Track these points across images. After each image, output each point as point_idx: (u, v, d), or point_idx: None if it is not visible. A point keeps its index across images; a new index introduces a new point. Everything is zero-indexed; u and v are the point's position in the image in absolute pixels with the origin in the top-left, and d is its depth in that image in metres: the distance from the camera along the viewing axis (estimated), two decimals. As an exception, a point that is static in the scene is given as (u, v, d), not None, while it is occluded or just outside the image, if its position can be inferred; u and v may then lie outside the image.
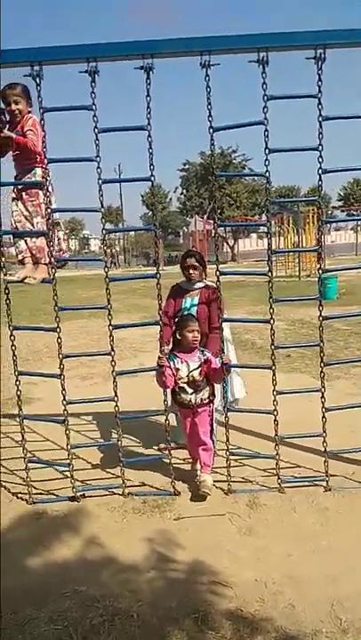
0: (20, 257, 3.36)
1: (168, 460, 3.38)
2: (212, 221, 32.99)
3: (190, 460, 3.73)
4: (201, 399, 3.38)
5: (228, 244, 42.89)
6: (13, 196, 3.32)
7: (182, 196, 48.84)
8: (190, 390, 3.35)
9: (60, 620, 2.28)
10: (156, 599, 2.41)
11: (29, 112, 3.26)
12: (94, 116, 2.97)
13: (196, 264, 3.83)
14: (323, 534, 2.89)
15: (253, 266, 31.79)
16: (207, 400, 3.41)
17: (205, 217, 33.27)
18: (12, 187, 3.33)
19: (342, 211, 48.79)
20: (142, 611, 2.32)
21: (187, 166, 47.34)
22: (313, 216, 22.54)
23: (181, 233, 66.22)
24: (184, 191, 48.29)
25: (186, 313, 3.67)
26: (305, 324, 9.40)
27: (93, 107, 2.97)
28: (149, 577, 2.59)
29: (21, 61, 2.98)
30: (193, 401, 3.36)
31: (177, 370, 3.34)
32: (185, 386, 3.35)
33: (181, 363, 3.36)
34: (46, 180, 3.13)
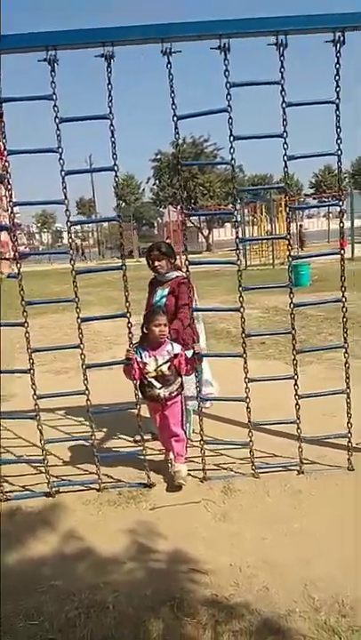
0: None
1: (142, 453, 3.38)
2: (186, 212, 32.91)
3: (164, 451, 3.72)
4: (170, 393, 3.34)
5: (202, 233, 42.92)
6: None
7: (155, 187, 48.54)
8: (158, 385, 3.31)
9: (35, 615, 2.27)
10: (133, 589, 2.42)
11: None
12: (54, 105, 2.91)
13: (160, 255, 3.75)
14: (296, 517, 2.94)
15: (228, 255, 31.84)
16: (175, 393, 3.38)
17: (179, 207, 33.19)
18: None
19: (314, 198, 49.28)
20: (118, 601, 2.33)
21: (159, 156, 47.00)
22: (285, 204, 22.74)
23: (155, 224, 65.92)
24: (157, 182, 47.99)
25: (156, 306, 3.64)
26: (279, 311, 9.49)
27: (54, 96, 2.91)
28: (126, 568, 2.60)
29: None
30: (162, 395, 3.32)
31: (144, 364, 3.30)
32: (153, 380, 3.31)
33: (149, 357, 3.32)
34: (7, 172, 3.06)
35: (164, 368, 3.30)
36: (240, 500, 3.15)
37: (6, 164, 3.05)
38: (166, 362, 3.31)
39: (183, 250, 3.27)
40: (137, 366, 3.28)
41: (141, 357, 3.32)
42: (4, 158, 3.06)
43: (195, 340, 3.38)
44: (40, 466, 3.41)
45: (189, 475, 3.42)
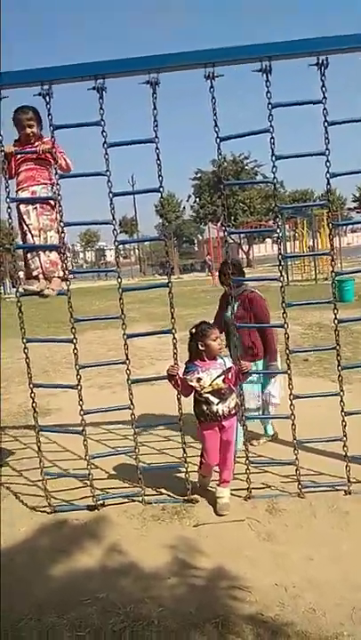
0: (35, 272, 3.42)
1: (185, 468, 3.40)
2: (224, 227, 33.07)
3: (200, 472, 3.56)
4: (229, 408, 3.25)
5: (243, 249, 42.85)
6: (24, 209, 3.39)
7: (195, 205, 49.04)
8: (216, 400, 3.22)
9: (82, 626, 2.31)
10: (177, 605, 2.43)
11: (41, 134, 3.39)
12: (103, 131, 3.04)
13: (229, 272, 3.72)
14: (343, 539, 2.87)
15: (269, 271, 31.64)
16: (234, 411, 3.30)
17: (219, 224, 33.28)
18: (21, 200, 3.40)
19: (358, 212, 48.41)
20: (163, 616, 2.35)
21: (199, 175, 47.55)
22: (327, 219, 22.46)
23: (196, 241, 66.37)
24: (197, 199, 48.49)
25: (227, 318, 3.74)
26: (322, 327, 9.34)
27: (102, 122, 3.05)
28: (170, 583, 2.61)
29: (31, 81, 3.07)
30: (220, 412, 3.22)
31: (199, 379, 3.23)
32: (209, 396, 3.21)
33: (203, 371, 3.25)
34: (59, 195, 3.21)
35: (219, 381, 3.23)
36: (285, 520, 3.11)
37: (58, 186, 3.20)
38: (220, 375, 3.24)
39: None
40: (186, 383, 3.25)
41: (196, 372, 3.25)
42: (56, 182, 3.21)
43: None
44: (85, 480, 3.48)
45: (232, 494, 3.39)
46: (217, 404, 3.21)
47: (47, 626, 2.34)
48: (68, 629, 2.30)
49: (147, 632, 2.25)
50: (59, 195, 3.20)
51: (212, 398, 3.21)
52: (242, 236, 41.29)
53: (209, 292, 20.93)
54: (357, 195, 56.35)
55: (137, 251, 50.56)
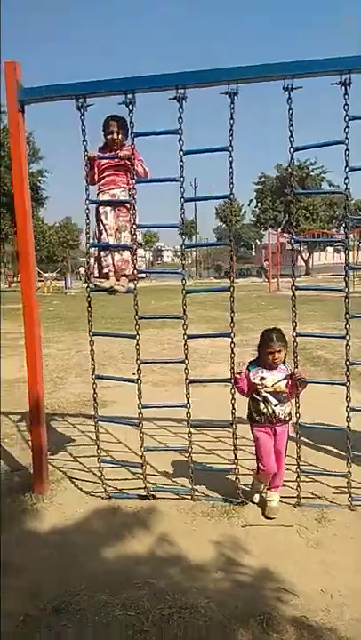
0: (106, 270, 3.63)
1: (236, 469, 3.47)
2: (286, 235, 32.62)
3: (257, 478, 3.52)
4: (285, 413, 3.29)
5: (302, 257, 42.15)
6: (102, 210, 3.60)
7: (257, 209, 48.73)
8: (275, 401, 3.26)
9: (132, 607, 2.44)
10: (223, 598, 2.51)
11: (124, 143, 3.61)
12: (180, 139, 3.18)
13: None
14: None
15: (329, 280, 31.00)
16: (289, 417, 3.33)
17: (280, 230, 32.96)
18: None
19: None
20: (209, 607, 2.44)
21: (262, 179, 47.22)
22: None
23: (254, 246, 65.89)
24: (258, 204, 48.17)
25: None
26: (382, 342, 9.09)
27: (180, 131, 3.18)
28: (216, 577, 2.70)
29: (116, 90, 3.26)
30: (277, 413, 3.26)
31: (262, 379, 3.28)
32: (268, 395, 3.27)
33: (267, 371, 3.31)
34: (134, 199, 3.39)
35: (282, 384, 3.28)
36: (334, 530, 3.12)
37: (134, 191, 3.38)
38: (284, 378, 3.29)
39: (292, 273, 3.35)
40: (248, 380, 3.30)
41: (260, 372, 3.30)
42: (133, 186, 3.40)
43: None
44: (139, 472, 3.62)
45: (282, 500, 3.42)
46: (275, 405, 3.26)
47: (100, 603, 2.48)
48: (120, 608, 2.44)
49: (194, 619, 2.35)
50: (134, 199, 3.38)
51: (271, 398, 3.26)
52: (303, 243, 40.61)
53: (264, 297, 20.85)
54: None
55: (194, 253, 50.91)
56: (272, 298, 20.59)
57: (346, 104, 3.02)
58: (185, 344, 3.48)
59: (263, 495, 3.45)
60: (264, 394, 3.27)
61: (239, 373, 3.32)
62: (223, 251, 44.59)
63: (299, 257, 41.44)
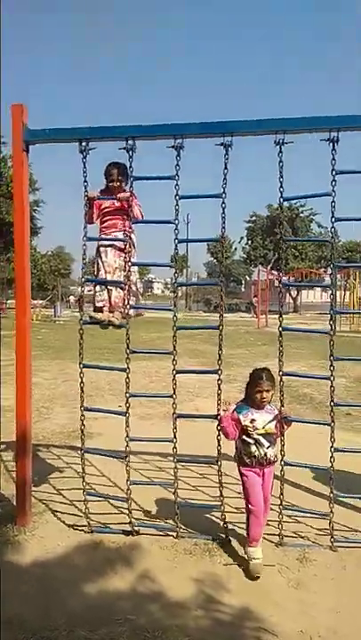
0: (99, 304, 3.77)
1: (221, 508, 3.49)
2: (275, 272, 33.22)
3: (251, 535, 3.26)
4: (274, 454, 3.27)
5: (290, 294, 42.76)
6: (102, 249, 3.80)
7: (247, 246, 49.70)
8: (267, 443, 3.21)
9: (112, 644, 2.44)
10: (203, 636, 2.52)
11: (125, 188, 3.83)
12: (176, 185, 3.36)
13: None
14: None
15: (316, 318, 31.41)
16: (275, 459, 3.30)
17: (269, 267, 33.57)
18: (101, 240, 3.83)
19: None
20: (189, 646, 2.44)
21: (253, 218, 48.37)
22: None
23: (243, 281, 66.77)
24: (249, 242, 49.17)
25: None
26: (364, 383, 9.24)
27: (177, 177, 3.36)
28: (197, 615, 2.70)
29: (118, 136, 3.45)
30: (268, 455, 3.22)
31: (252, 420, 3.22)
32: (260, 438, 3.20)
33: (256, 412, 3.25)
34: (130, 239, 3.57)
35: (272, 425, 3.24)
36: (315, 570, 3.14)
37: (131, 232, 3.56)
38: (273, 419, 3.26)
39: (279, 312, 3.48)
40: (235, 424, 3.23)
41: (250, 414, 3.24)
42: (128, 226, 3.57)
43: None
44: (122, 506, 3.63)
45: (264, 538, 3.42)
46: (267, 448, 3.21)
47: (79, 638, 2.47)
48: (99, 644, 2.43)
49: (173, 658, 2.35)
50: (132, 240, 3.56)
51: (263, 440, 3.21)
52: (291, 280, 41.34)
53: (252, 333, 21.03)
54: None
55: (184, 287, 51.46)
56: (260, 334, 20.78)
57: (333, 159, 3.22)
58: (174, 379, 3.56)
59: (247, 554, 3.19)
60: (256, 436, 3.21)
61: (225, 410, 3.30)
62: (212, 287, 45.51)
63: (287, 294, 42.05)
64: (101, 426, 5.78)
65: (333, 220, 3.26)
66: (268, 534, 3.46)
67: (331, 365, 3.36)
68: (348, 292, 26.06)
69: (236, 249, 57.49)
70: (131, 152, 3.37)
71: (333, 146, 3.21)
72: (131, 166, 3.41)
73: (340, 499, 3.56)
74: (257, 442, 3.20)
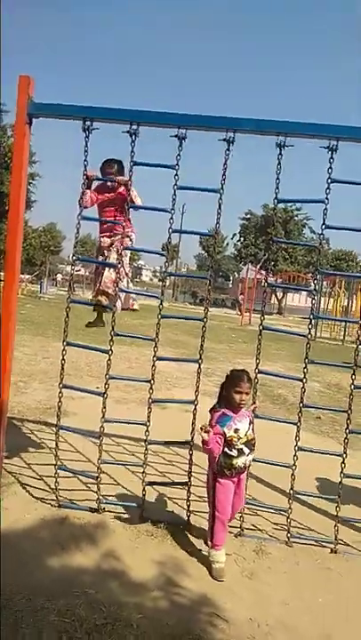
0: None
1: (186, 492, 3.59)
2: (263, 272, 33.35)
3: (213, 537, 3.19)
4: (253, 459, 3.19)
5: (276, 296, 43.06)
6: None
7: (239, 243, 49.81)
8: (247, 451, 3.08)
9: (68, 614, 2.51)
10: (157, 616, 2.61)
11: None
12: (176, 174, 3.39)
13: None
14: (321, 592, 3.00)
15: (299, 322, 31.71)
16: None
17: (258, 266, 33.73)
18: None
19: None
20: (142, 623, 2.53)
21: (248, 216, 48.44)
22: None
23: (231, 277, 67.05)
24: (241, 239, 49.28)
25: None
26: (341, 389, 9.40)
27: (177, 167, 3.40)
28: (154, 595, 2.79)
29: (123, 119, 3.46)
30: (248, 463, 3.13)
31: (236, 430, 3.05)
32: (243, 447, 3.04)
33: (238, 422, 3.09)
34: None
35: (250, 431, 3.13)
36: (270, 563, 3.26)
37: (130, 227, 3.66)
38: (250, 424, 3.16)
39: (261, 311, 3.56)
40: (219, 438, 3.05)
41: (233, 424, 3.08)
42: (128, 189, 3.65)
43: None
44: (90, 483, 3.70)
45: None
46: (247, 455, 3.08)
47: (37, 607, 2.54)
48: (55, 614, 2.50)
49: (125, 632, 2.43)
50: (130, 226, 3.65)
51: (245, 449, 3.05)
52: (279, 282, 41.63)
53: (235, 330, 21.17)
54: None
55: (172, 277, 51.41)
56: (243, 331, 20.94)
57: (330, 167, 3.29)
58: (153, 365, 3.62)
59: (209, 557, 3.15)
60: (239, 446, 3.05)
61: (206, 433, 3.04)
62: (200, 280, 45.49)
63: (273, 296, 42.33)
64: (77, 406, 5.83)
65: (324, 226, 3.34)
66: (229, 526, 3.56)
67: (305, 367, 3.45)
68: (332, 300, 26.37)
69: (228, 244, 57.64)
70: (133, 136, 3.40)
71: (332, 154, 3.27)
72: (132, 151, 3.43)
73: (299, 496, 3.68)
74: (240, 452, 3.05)
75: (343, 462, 3.46)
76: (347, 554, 3.44)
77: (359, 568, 3.31)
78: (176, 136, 3.39)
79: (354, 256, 51.61)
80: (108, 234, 4.04)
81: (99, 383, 6.04)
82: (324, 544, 3.51)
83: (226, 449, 3.05)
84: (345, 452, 3.46)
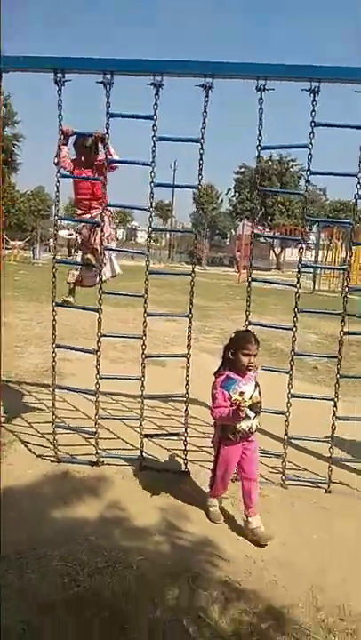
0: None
1: (184, 442, 3.68)
2: (260, 227, 32.99)
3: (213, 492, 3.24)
4: (258, 423, 3.03)
5: (274, 251, 42.73)
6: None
7: (234, 199, 48.93)
8: (252, 414, 2.88)
9: (70, 559, 2.63)
10: (157, 557, 2.73)
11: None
12: (154, 125, 3.30)
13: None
14: (317, 530, 3.13)
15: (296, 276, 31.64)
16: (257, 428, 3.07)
17: (255, 222, 33.32)
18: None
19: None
20: (142, 564, 2.65)
21: (243, 169, 47.38)
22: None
23: (228, 235, 66.28)
24: (237, 194, 48.38)
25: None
26: (337, 339, 9.48)
27: (155, 117, 3.30)
28: (155, 539, 2.91)
29: (95, 69, 3.34)
30: (254, 427, 2.99)
31: (241, 393, 2.88)
32: (247, 410, 2.86)
33: (243, 384, 2.95)
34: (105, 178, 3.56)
35: (256, 393, 2.98)
36: (266, 505, 3.37)
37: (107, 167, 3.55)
38: (256, 386, 3.01)
39: (250, 265, 3.55)
40: (231, 403, 2.89)
41: (238, 387, 2.93)
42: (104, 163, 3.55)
43: None
44: (90, 437, 3.79)
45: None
46: (253, 419, 2.92)
47: (40, 554, 2.66)
48: (58, 560, 2.62)
49: (126, 573, 2.56)
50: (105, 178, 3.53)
51: (249, 413, 2.87)
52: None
53: (233, 287, 21.09)
54: None
55: (168, 236, 50.84)
56: (240, 288, 20.85)
57: (313, 111, 3.20)
58: (144, 321, 3.65)
59: (207, 502, 3.23)
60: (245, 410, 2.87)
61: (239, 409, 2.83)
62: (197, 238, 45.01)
63: (271, 251, 42.03)
64: (75, 367, 5.91)
65: (308, 173, 3.27)
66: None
67: (294, 317, 3.48)
68: (330, 252, 26.10)
69: (222, 200, 56.63)
70: (108, 87, 3.28)
71: (314, 97, 3.17)
72: (108, 102, 3.32)
73: (294, 441, 3.78)
74: (246, 416, 2.88)
75: (335, 406, 3.54)
76: (342, 494, 3.57)
77: (353, 506, 3.44)
78: (152, 84, 3.28)
79: (352, 206, 50.79)
80: (84, 210, 3.97)
81: (94, 345, 6.11)
82: (318, 485, 3.63)
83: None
84: (336, 397, 3.53)
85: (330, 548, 2.96)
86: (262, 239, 38.83)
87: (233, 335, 3.07)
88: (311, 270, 20.46)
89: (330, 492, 3.58)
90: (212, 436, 3.25)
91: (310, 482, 3.65)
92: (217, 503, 3.24)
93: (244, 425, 2.92)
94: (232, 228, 59.81)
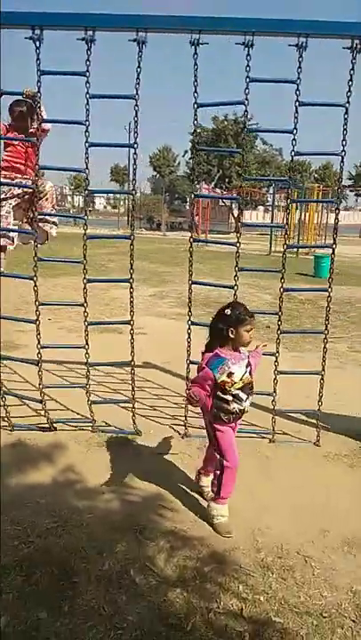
0: None
1: (131, 404, 3.76)
2: (218, 190, 32.64)
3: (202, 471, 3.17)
4: (250, 404, 2.85)
5: (232, 214, 42.62)
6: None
7: (191, 161, 48.17)
8: (244, 396, 2.74)
9: (20, 522, 2.69)
10: (106, 514, 2.82)
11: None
12: (87, 82, 3.19)
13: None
14: (259, 477, 3.30)
15: (256, 239, 31.75)
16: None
17: (212, 185, 33.02)
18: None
19: (351, 190, 48.35)
20: (92, 521, 2.74)
21: (199, 131, 46.56)
22: (318, 193, 22.61)
23: (188, 199, 65.60)
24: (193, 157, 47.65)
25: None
26: (291, 299, 9.68)
27: (87, 73, 3.19)
28: (105, 497, 3.00)
29: (23, 24, 3.17)
30: (246, 409, 2.81)
31: (230, 374, 2.69)
32: (239, 392, 2.72)
33: (234, 364, 2.72)
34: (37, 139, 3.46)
35: (248, 373, 2.78)
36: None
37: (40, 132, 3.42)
38: (247, 366, 2.79)
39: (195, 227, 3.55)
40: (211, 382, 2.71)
41: (227, 367, 2.70)
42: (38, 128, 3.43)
43: None
44: (41, 406, 3.81)
45: (173, 429, 3.77)
46: (245, 401, 2.76)
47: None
48: (9, 524, 2.67)
49: (75, 532, 2.64)
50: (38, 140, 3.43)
51: (241, 395, 2.72)
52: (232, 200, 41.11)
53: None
54: (353, 173, 56.14)
55: (126, 202, 49.78)
56: (198, 252, 20.90)
57: (248, 65, 3.16)
58: (84, 288, 3.64)
59: (210, 510, 2.86)
60: (234, 392, 2.72)
61: (192, 397, 2.69)
62: (157, 202, 44.04)
63: (229, 214, 41.88)
64: (28, 338, 5.80)
65: (245, 129, 3.27)
66: (176, 424, 3.79)
67: (235, 276, 3.56)
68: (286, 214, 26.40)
69: (179, 163, 55.70)
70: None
71: (248, 51, 3.13)
72: (38, 58, 3.17)
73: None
74: (235, 397, 2.72)
75: (276, 360, 3.68)
76: (285, 442, 3.75)
77: (296, 453, 3.63)
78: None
79: (307, 166, 51.08)
80: (12, 174, 3.82)
81: (49, 316, 6.03)
82: (263, 436, 3.79)
83: (220, 393, 2.72)
84: (277, 352, 3.66)
85: (270, 493, 3.13)
86: (221, 202, 38.67)
87: (228, 312, 2.76)
88: (269, 232, 20.67)
89: (273, 441, 3.75)
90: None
91: (255, 433, 3.81)
92: (226, 513, 2.82)
93: (236, 407, 2.74)
94: (191, 192, 59.19)
